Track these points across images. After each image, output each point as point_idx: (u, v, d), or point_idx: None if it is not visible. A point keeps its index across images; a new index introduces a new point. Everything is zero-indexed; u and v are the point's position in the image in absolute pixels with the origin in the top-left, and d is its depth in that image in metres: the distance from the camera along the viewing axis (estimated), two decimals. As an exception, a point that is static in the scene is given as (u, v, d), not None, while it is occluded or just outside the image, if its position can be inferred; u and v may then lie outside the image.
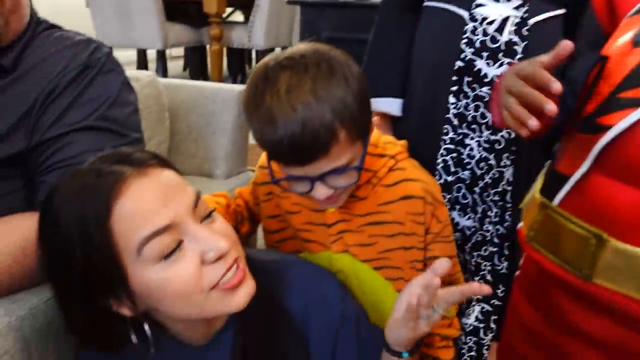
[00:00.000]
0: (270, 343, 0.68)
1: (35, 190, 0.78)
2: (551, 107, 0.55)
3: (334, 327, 0.72)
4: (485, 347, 1.25)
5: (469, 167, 1.08)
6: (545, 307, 0.72)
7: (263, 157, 0.92)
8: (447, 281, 0.92)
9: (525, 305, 0.78)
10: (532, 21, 0.98)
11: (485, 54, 1.00)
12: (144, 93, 1.17)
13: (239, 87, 1.33)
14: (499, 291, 1.17)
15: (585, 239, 0.61)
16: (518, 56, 0.98)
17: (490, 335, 1.23)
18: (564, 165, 0.67)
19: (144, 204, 0.56)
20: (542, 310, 0.73)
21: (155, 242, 0.55)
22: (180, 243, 0.57)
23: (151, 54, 3.63)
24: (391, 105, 1.15)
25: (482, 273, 1.16)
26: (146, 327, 0.62)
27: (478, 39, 1.00)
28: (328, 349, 0.73)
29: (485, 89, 1.01)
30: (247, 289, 0.60)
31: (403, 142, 0.88)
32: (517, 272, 0.82)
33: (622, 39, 0.61)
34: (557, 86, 0.54)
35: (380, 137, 0.88)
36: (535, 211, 0.70)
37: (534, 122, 0.57)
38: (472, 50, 1.01)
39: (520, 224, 0.75)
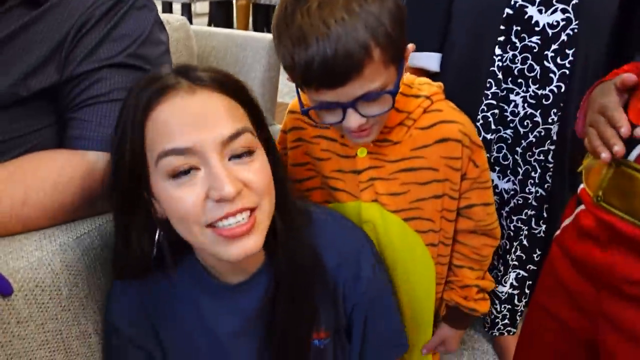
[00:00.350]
0: (302, 294, 0.67)
1: (65, 127, 0.75)
2: (618, 149, 0.61)
3: (360, 290, 0.71)
4: (519, 314, 1.22)
5: (512, 125, 1.02)
6: (597, 267, 0.68)
7: (293, 102, 0.88)
8: (482, 231, 0.88)
9: (566, 266, 0.75)
10: None
11: (537, 0, 0.93)
12: (173, 37, 1.13)
13: (270, 37, 1.28)
14: (535, 255, 1.14)
15: None
16: (573, 1, 0.91)
17: (524, 301, 1.20)
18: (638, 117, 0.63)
19: (175, 120, 0.55)
20: (591, 271, 0.70)
21: (171, 159, 0.55)
22: (193, 169, 0.56)
23: (176, 10, 3.57)
24: (429, 60, 1.09)
25: (519, 238, 1.12)
26: (158, 233, 0.62)
27: None
28: (349, 309, 0.72)
29: (535, 38, 0.95)
30: (245, 245, 0.57)
31: (439, 84, 0.83)
32: (558, 232, 0.79)
33: None
34: (625, 130, 0.61)
35: (415, 79, 0.82)
36: (603, 170, 0.66)
37: (606, 155, 0.63)
38: None
39: (582, 186, 0.71)
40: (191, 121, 0.55)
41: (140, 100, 0.57)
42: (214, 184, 0.54)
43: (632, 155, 0.62)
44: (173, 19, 1.16)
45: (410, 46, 0.71)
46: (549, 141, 1.01)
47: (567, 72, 0.94)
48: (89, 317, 0.70)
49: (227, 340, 0.68)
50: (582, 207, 0.71)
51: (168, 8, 3.40)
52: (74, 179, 0.69)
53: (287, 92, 2.48)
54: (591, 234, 0.69)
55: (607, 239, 0.67)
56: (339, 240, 0.71)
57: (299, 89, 0.72)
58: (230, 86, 0.60)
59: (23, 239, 0.66)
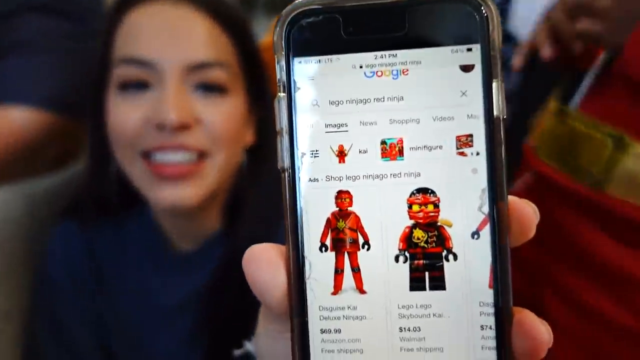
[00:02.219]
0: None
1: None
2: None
3: None
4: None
5: None
6: (543, 228, 0.64)
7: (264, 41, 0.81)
8: None
9: None
10: None
11: None
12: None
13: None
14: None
15: (602, 142, 0.55)
16: None
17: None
18: (579, 60, 0.60)
19: (146, 26, 0.51)
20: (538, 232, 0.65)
21: (126, 68, 0.50)
22: (144, 85, 0.50)
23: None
24: None
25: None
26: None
27: None
28: None
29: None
30: (179, 193, 0.50)
31: None
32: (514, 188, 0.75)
33: None
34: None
35: None
36: (547, 121, 0.63)
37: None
38: None
39: (528, 139, 0.68)
40: (162, 33, 0.50)
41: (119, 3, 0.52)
42: (158, 106, 0.48)
43: (573, 104, 0.59)
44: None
45: None
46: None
47: None
48: (8, 295, 0.63)
49: (168, 313, 0.60)
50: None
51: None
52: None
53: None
54: (532, 190, 0.65)
55: (542, 195, 0.63)
56: None
57: None
58: (226, 15, 0.53)
59: None
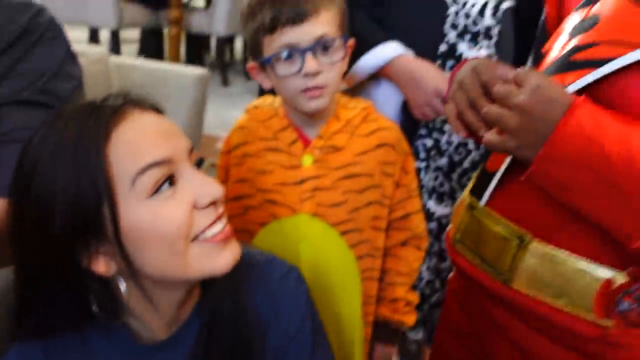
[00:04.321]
0: (234, 343, 0.61)
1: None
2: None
3: (290, 335, 0.65)
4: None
5: (446, 153, 1.05)
6: (470, 308, 0.69)
7: (241, 119, 0.89)
8: (415, 242, 0.91)
9: (454, 306, 0.74)
10: (504, 6, 1.01)
11: (467, 37, 1.00)
12: (90, 71, 1.05)
13: (198, 71, 1.25)
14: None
15: (507, 240, 0.59)
16: (494, 39, 1.01)
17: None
18: (491, 161, 0.64)
19: (144, 135, 0.53)
20: (468, 311, 0.70)
21: (151, 174, 0.52)
22: (171, 180, 0.53)
23: (104, 35, 3.44)
24: (394, 49, 1.00)
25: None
26: (122, 285, 0.56)
27: (461, 23, 1.00)
28: (280, 354, 0.65)
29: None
30: (234, 250, 0.56)
31: (370, 102, 0.90)
32: (451, 274, 0.78)
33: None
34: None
35: (348, 101, 0.89)
36: (462, 212, 0.67)
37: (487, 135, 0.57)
38: (455, 33, 1.00)
39: (449, 227, 0.71)
40: (160, 134, 0.54)
41: (95, 128, 0.52)
42: (202, 190, 0.54)
43: (483, 200, 0.62)
44: (91, 51, 1.09)
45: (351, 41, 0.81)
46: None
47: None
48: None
49: None
50: None
51: (94, 34, 3.24)
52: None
53: (218, 125, 2.44)
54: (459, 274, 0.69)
55: (465, 280, 0.66)
56: (274, 286, 0.65)
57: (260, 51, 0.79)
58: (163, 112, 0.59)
59: None
